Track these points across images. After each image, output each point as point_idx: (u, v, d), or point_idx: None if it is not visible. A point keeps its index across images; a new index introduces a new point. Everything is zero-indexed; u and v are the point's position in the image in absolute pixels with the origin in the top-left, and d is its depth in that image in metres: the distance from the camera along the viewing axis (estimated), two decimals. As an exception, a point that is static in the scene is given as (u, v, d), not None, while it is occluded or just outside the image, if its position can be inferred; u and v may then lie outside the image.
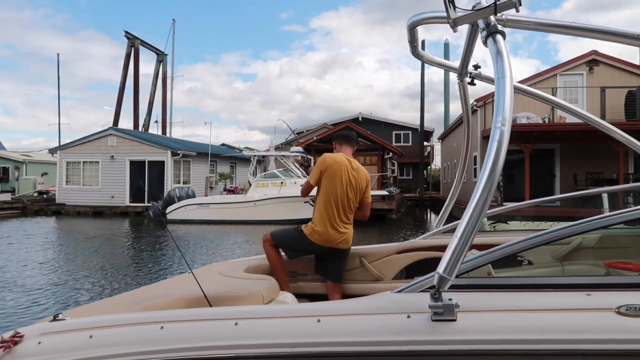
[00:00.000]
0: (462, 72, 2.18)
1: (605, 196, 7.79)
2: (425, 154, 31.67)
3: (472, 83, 2.25)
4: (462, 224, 1.27)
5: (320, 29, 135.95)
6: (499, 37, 1.47)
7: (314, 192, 3.23)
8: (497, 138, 1.30)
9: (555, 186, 17.02)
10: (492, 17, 1.48)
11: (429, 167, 37.61)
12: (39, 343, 1.53)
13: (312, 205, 3.31)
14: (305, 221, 3.19)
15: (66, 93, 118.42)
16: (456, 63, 2.24)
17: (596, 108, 15.75)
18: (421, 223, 20.68)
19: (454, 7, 1.53)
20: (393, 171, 31.03)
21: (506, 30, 1.52)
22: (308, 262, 3.08)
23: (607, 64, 17.07)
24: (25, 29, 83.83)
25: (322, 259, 3.02)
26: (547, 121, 15.56)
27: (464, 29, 1.81)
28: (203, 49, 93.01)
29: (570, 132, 14.26)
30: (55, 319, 1.65)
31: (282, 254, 3.05)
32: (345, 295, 2.81)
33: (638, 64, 17.41)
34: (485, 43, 1.50)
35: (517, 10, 1.45)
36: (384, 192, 19.11)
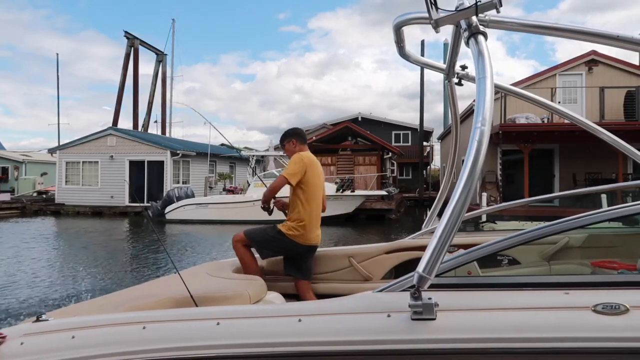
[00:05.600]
0: (449, 72, 2.20)
1: (604, 196, 7.81)
2: (425, 154, 31.66)
3: (459, 83, 2.26)
4: (441, 223, 1.28)
5: (318, 29, 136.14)
6: (480, 37, 1.47)
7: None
8: (477, 138, 1.31)
9: (555, 186, 17.01)
10: (473, 18, 1.49)
11: (429, 167, 37.62)
12: (22, 344, 1.53)
13: (268, 209, 3.17)
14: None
15: (66, 93, 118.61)
16: (443, 64, 2.25)
17: (595, 108, 15.75)
18: (420, 223, 20.61)
19: (436, 8, 1.54)
20: (392, 171, 31.01)
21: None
22: None
23: (606, 64, 17.06)
24: (25, 30, 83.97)
25: (297, 258, 3.02)
26: (546, 121, 15.55)
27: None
28: (202, 50, 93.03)
29: (570, 132, 14.24)
30: (38, 319, 1.65)
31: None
32: (334, 295, 2.81)
33: (637, 64, 17.40)
34: (467, 44, 1.51)
35: (498, 11, 1.46)
36: (383, 192, 19.12)
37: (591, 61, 17.03)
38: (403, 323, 1.34)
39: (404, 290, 1.40)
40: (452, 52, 1.99)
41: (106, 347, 1.47)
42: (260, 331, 1.43)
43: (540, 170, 16.63)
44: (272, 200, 3.18)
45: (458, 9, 1.49)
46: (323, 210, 3.25)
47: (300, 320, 1.42)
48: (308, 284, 2.98)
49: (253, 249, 3.03)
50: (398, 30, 1.92)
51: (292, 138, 3.23)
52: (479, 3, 1.44)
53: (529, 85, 16.61)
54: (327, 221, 15.55)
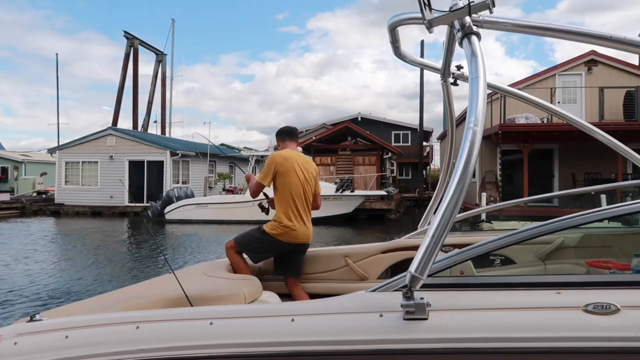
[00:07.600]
0: (444, 72, 2.20)
1: (603, 196, 7.79)
2: (425, 154, 31.64)
3: (454, 83, 2.26)
4: (434, 223, 1.28)
5: (317, 30, 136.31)
6: (474, 38, 1.48)
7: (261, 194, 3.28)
8: (469, 138, 1.31)
9: (554, 186, 17.01)
10: (467, 18, 1.49)
11: (428, 167, 37.61)
12: (15, 344, 1.53)
13: (264, 208, 3.29)
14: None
15: (66, 93, 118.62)
16: (439, 63, 2.26)
17: (595, 108, 15.75)
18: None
19: (430, 8, 1.54)
20: (392, 171, 31.00)
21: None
22: None
23: (605, 64, 17.06)
24: (25, 30, 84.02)
25: (286, 257, 3.02)
26: (545, 121, 15.55)
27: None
28: (201, 50, 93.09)
29: (569, 132, 14.23)
30: (32, 319, 1.65)
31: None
32: (330, 295, 2.81)
33: (637, 64, 17.40)
34: (460, 44, 1.51)
35: (491, 12, 1.46)
36: (382, 193, 19.13)
37: (591, 61, 17.02)
38: (395, 323, 1.34)
39: (396, 290, 1.40)
40: (446, 53, 1.99)
41: (100, 347, 1.47)
42: (253, 331, 1.43)
43: (540, 170, 16.62)
44: (266, 200, 3.23)
45: (451, 10, 1.49)
46: (316, 208, 3.24)
47: (293, 320, 1.42)
48: (296, 282, 2.99)
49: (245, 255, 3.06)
50: (393, 30, 1.93)
51: (277, 137, 3.34)
52: (472, 3, 1.44)
53: (528, 86, 16.61)
54: (326, 221, 15.42)
